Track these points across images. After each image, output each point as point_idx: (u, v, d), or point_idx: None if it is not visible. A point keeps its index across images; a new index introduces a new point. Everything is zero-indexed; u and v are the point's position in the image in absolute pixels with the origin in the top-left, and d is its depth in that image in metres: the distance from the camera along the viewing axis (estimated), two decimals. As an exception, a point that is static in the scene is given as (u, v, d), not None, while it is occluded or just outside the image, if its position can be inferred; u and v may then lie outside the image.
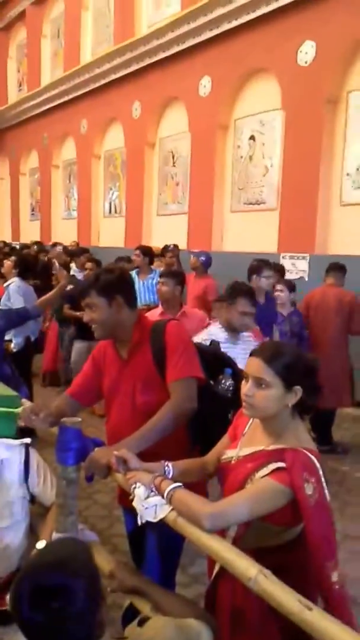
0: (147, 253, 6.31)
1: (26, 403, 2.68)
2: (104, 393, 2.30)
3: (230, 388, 2.33)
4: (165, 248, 7.59)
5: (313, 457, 1.56)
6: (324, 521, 1.53)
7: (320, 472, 1.55)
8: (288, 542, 1.59)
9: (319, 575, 1.50)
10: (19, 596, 1.09)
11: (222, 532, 1.59)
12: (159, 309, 4.13)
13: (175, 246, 7.73)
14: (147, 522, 1.63)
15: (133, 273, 5.59)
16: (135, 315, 2.19)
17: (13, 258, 5.51)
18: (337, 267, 5.27)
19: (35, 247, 10.79)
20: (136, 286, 5.11)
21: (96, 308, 2.12)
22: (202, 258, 6.34)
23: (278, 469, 1.54)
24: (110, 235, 11.68)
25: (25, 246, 10.29)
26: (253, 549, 1.57)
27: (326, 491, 1.56)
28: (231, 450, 1.77)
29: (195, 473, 1.85)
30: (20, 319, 4.03)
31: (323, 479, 1.55)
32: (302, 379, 1.61)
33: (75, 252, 8.10)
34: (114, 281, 2.13)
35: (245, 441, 1.74)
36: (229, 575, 1.47)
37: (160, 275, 4.19)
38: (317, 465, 1.55)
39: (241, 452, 1.71)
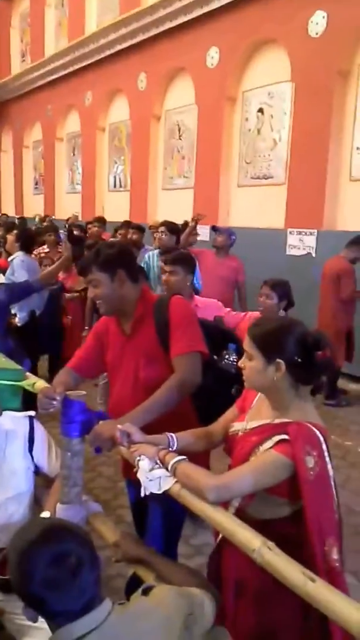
0: (175, 230, 5.23)
1: (30, 376, 2.70)
2: (107, 367, 2.30)
3: (234, 363, 2.33)
4: (187, 224, 6.19)
5: (317, 431, 1.55)
6: (324, 496, 1.54)
7: (324, 447, 1.55)
8: (292, 514, 1.60)
9: (319, 551, 1.50)
10: (32, 567, 1.15)
11: (225, 503, 1.60)
12: None
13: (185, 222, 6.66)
14: (150, 494, 1.64)
15: (154, 254, 5.09)
16: (138, 290, 2.18)
17: (15, 232, 5.43)
18: (350, 241, 5.58)
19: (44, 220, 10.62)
20: (157, 270, 4.79)
21: (99, 284, 2.10)
22: (233, 237, 5.66)
23: (281, 440, 1.54)
24: (115, 209, 11.58)
25: (42, 219, 10.08)
26: (258, 520, 1.58)
27: (329, 466, 1.56)
28: (239, 422, 1.77)
29: (200, 443, 1.85)
30: (23, 292, 4.01)
31: (327, 454, 1.55)
32: (286, 353, 1.58)
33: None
34: (114, 256, 2.11)
35: (252, 414, 1.75)
36: (232, 545, 1.48)
37: (165, 262, 3.38)
38: (321, 439, 1.55)
39: (248, 425, 1.72)
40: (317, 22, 6.90)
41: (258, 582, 1.59)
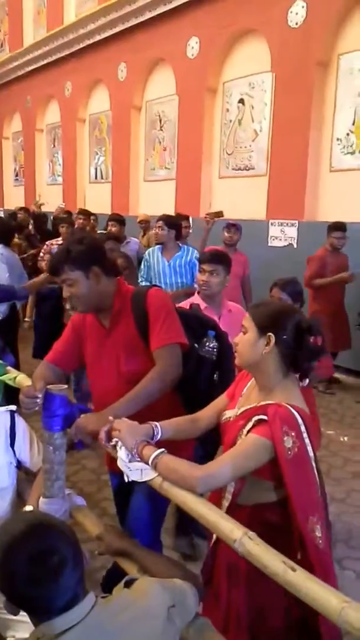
0: (174, 225, 4.84)
1: (12, 371, 2.68)
2: (86, 360, 2.28)
3: (215, 350, 2.34)
4: (182, 216, 6.24)
5: (295, 412, 1.58)
6: (304, 476, 1.57)
7: (303, 429, 1.57)
8: (280, 500, 1.62)
9: (303, 529, 1.53)
10: (14, 565, 1.14)
11: (219, 492, 1.65)
12: (196, 299, 3.14)
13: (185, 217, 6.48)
14: (133, 485, 1.64)
15: (155, 250, 4.87)
16: (114, 283, 2.15)
17: None
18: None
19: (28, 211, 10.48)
20: (158, 267, 4.77)
21: (73, 283, 2.05)
22: (239, 233, 5.60)
23: (259, 421, 1.57)
24: (96, 201, 11.50)
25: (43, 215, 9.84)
26: (251, 505, 1.64)
27: (309, 448, 1.59)
28: (230, 410, 1.80)
29: (185, 431, 1.86)
30: (5, 296, 3.96)
31: (306, 436, 1.58)
32: (279, 329, 1.63)
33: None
34: (86, 252, 2.05)
35: (242, 401, 1.78)
36: None
37: (202, 261, 3.11)
38: (300, 421, 1.57)
39: (239, 412, 1.75)
40: (297, 12, 6.89)
41: (247, 565, 1.62)
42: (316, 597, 1.19)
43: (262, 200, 7.61)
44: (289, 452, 1.52)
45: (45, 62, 12.81)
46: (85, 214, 7.91)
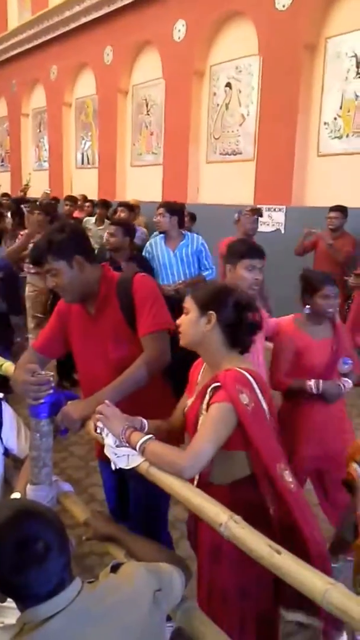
0: (176, 211, 4.49)
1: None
2: (72, 347, 2.27)
3: None
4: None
5: (244, 372, 1.66)
6: (264, 425, 1.66)
7: (255, 386, 1.66)
8: (253, 475, 1.69)
9: (274, 475, 1.62)
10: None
11: None
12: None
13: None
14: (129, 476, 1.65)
15: (158, 240, 4.52)
16: (98, 270, 2.13)
17: None
18: None
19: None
20: (163, 258, 4.45)
21: (57, 272, 2.03)
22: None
23: (214, 388, 1.65)
24: (83, 186, 11.40)
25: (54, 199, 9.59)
26: (228, 484, 1.70)
27: (263, 403, 1.67)
28: (190, 399, 1.86)
29: (167, 437, 1.86)
30: None
31: (259, 392, 1.66)
32: (219, 307, 1.71)
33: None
34: (68, 241, 2.02)
35: (198, 387, 1.83)
36: None
37: (252, 256, 2.58)
38: (250, 379, 1.66)
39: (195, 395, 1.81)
40: (284, -5, 6.82)
41: (230, 546, 1.64)
42: (301, 579, 1.21)
43: (250, 185, 7.58)
44: (248, 408, 1.60)
45: (30, 45, 12.63)
46: (72, 200, 7.89)
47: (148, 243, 4.70)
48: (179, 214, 4.50)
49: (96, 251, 4.99)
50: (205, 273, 4.52)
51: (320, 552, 1.63)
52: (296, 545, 1.50)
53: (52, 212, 6.81)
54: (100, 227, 7.46)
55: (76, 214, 8.49)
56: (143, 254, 4.64)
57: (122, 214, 5.88)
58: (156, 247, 4.51)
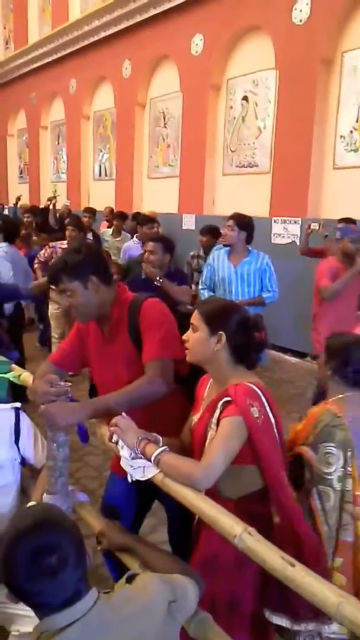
0: (246, 226, 4.21)
1: (16, 368, 2.70)
2: (89, 364, 2.29)
3: None
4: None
5: (254, 386, 1.69)
6: (272, 440, 1.69)
7: (264, 399, 1.69)
8: (263, 490, 1.71)
9: (282, 481, 1.68)
10: (14, 558, 1.16)
11: None
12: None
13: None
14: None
15: (221, 253, 4.31)
16: (113, 292, 2.12)
17: None
18: None
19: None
20: (223, 272, 4.22)
21: (72, 293, 2.04)
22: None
23: (225, 403, 1.68)
24: (100, 198, 11.52)
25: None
26: (236, 499, 1.72)
27: (270, 415, 1.70)
28: (196, 414, 1.89)
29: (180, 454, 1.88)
30: (9, 295, 3.95)
31: (267, 405, 1.69)
32: (228, 327, 1.76)
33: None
34: (83, 262, 2.03)
35: (205, 402, 1.86)
36: (204, 523, 1.59)
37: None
38: (259, 393, 1.69)
39: (202, 410, 1.83)
40: (301, 9, 6.88)
41: (228, 557, 1.71)
42: (314, 592, 1.22)
43: (266, 198, 7.60)
44: (258, 421, 1.64)
45: (49, 59, 12.82)
46: (91, 212, 7.95)
47: (211, 255, 4.54)
48: (249, 229, 4.21)
49: (128, 266, 4.89)
50: (265, 295, 4.23)
51: (321, 563, 1.69)
52: (300, 554, 1.55)
53: (85, 228, 6.75)
54: (117, 239, 7.53)
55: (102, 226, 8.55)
56: (205, 265, 4.49)
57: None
58: (218, 260, 4.32)
